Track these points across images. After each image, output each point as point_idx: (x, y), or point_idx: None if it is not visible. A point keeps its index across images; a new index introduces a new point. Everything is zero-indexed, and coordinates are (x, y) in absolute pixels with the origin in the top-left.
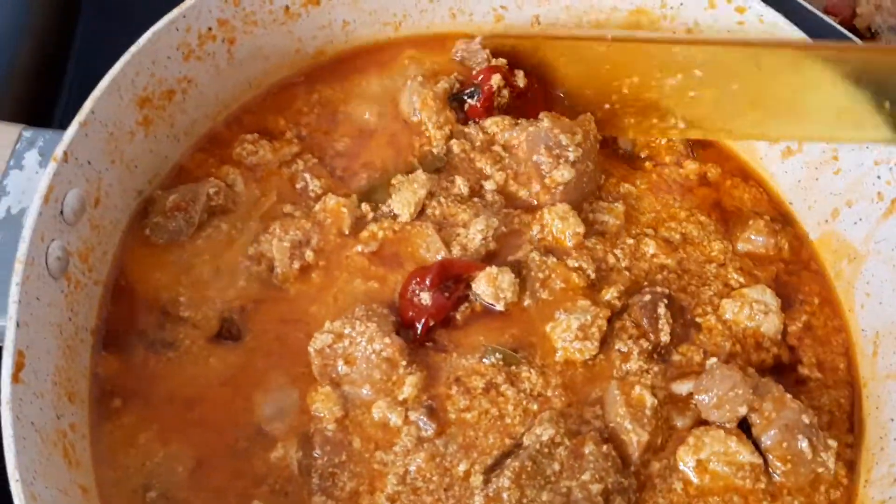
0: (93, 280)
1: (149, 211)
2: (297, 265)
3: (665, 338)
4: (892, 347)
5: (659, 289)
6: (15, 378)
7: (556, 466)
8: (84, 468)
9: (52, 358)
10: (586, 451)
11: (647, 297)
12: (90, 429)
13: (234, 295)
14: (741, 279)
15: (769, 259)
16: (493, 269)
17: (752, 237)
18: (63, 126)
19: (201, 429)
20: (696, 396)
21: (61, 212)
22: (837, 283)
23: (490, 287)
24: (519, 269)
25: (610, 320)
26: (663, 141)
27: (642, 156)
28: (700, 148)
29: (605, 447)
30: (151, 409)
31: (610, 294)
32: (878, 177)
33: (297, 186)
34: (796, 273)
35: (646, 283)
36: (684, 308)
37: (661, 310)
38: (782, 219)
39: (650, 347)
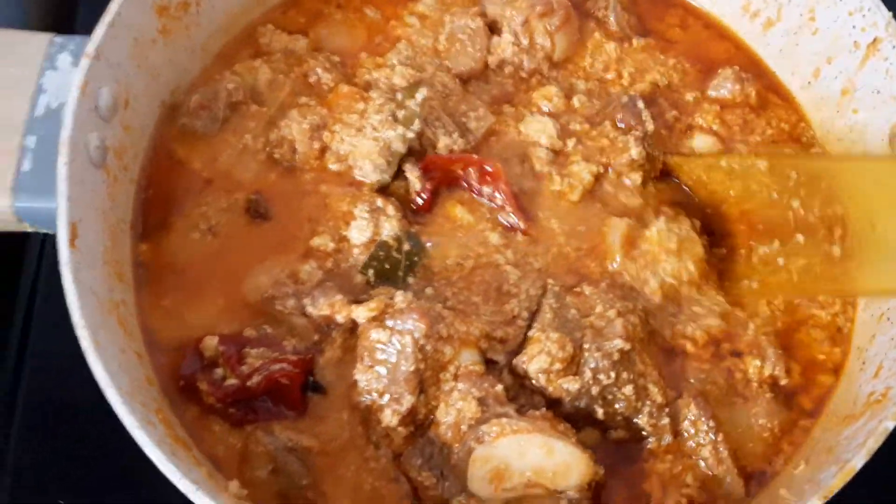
0: (128, 178)
1: (175, 115)
2: (316, 145)
3: (650, 126)
4: None
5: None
6: (71, 244)
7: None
8: (136, 339)
9: (101, 239)
10: (587, 291)
11: (625, 99)
12: (136, 307)
13: (259, 177)
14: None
15: (736, 105)
16: None
17: (722, 83)
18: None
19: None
20: None
21: (96, 107)
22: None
23: None
24: None
25: None
26: None
27: None
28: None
29: (602, 284)
30: (191, 289)
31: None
32: (854, 26)
33: (311, 80)
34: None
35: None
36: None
37: (641, 104)
38: (753, 70)
39: (642, 135)
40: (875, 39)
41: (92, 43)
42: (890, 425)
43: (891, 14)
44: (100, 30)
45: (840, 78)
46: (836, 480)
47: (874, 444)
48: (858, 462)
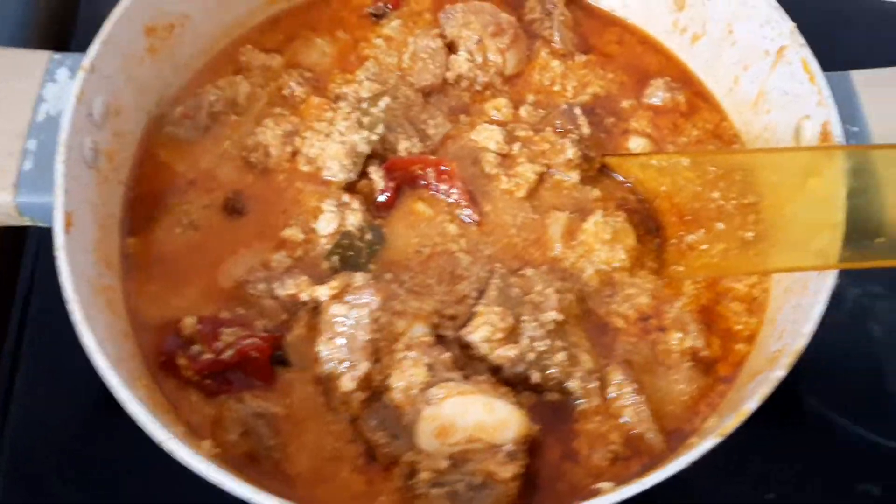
0: (117, 179)
1: (161, 123)
2: (288, 149)
3: (586, 130)
4: None
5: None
6: (67, 230)
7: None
8: (122, 319)
9: (92, 230)
10: (528, 273)
11: (564, 107)
12: (123, 292)
13: (237, 178)
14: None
15: (667, 111)
16: None
17: (654, 92)
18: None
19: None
20: None
21: (90, 114)
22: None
23: None
24: None
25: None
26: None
27: None
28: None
29: (544, 267)
30: (175, 276)
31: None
32: (764, 37)
33: (285, 93)
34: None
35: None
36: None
37: (577, 111)
38: (683, 79)
39: (577, 138)
40: (782, 47)
41: (87, 58)
42: (780, 373)
43: (793, 24)
44: (94, 46)
45: (755, 83)
46: (732, 421)
47: (766, 390)
48: (752, 405)
